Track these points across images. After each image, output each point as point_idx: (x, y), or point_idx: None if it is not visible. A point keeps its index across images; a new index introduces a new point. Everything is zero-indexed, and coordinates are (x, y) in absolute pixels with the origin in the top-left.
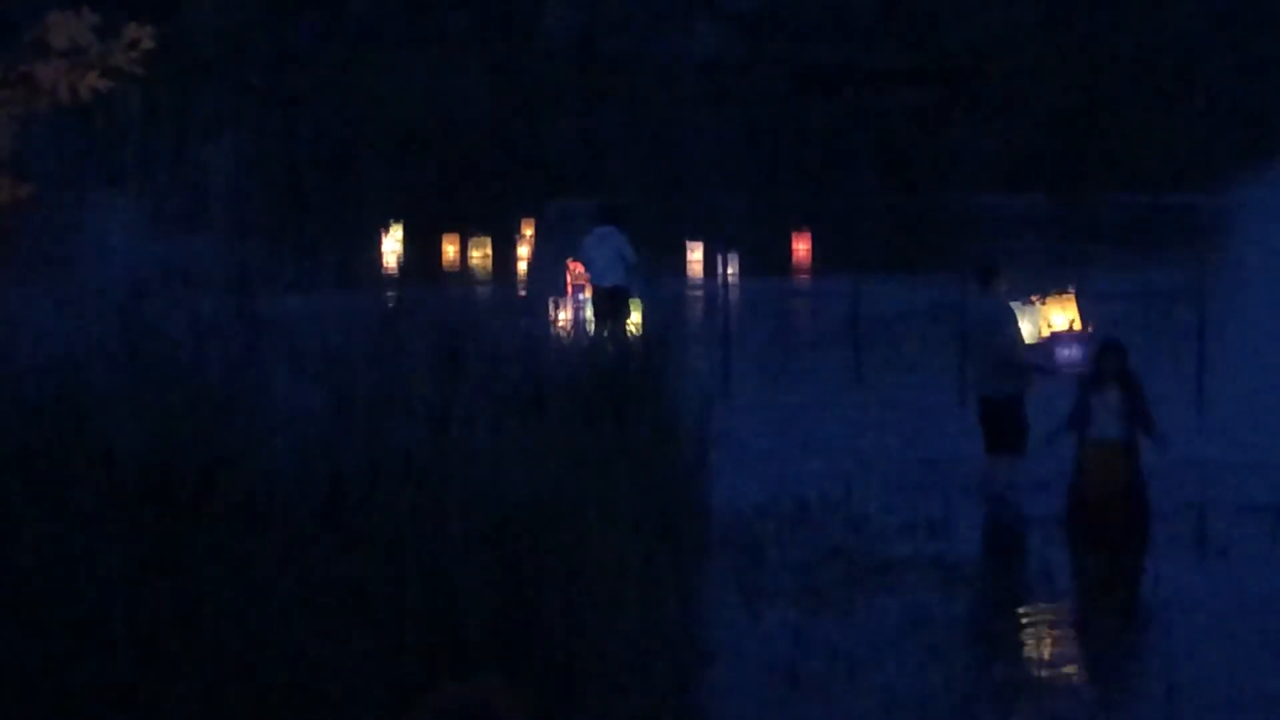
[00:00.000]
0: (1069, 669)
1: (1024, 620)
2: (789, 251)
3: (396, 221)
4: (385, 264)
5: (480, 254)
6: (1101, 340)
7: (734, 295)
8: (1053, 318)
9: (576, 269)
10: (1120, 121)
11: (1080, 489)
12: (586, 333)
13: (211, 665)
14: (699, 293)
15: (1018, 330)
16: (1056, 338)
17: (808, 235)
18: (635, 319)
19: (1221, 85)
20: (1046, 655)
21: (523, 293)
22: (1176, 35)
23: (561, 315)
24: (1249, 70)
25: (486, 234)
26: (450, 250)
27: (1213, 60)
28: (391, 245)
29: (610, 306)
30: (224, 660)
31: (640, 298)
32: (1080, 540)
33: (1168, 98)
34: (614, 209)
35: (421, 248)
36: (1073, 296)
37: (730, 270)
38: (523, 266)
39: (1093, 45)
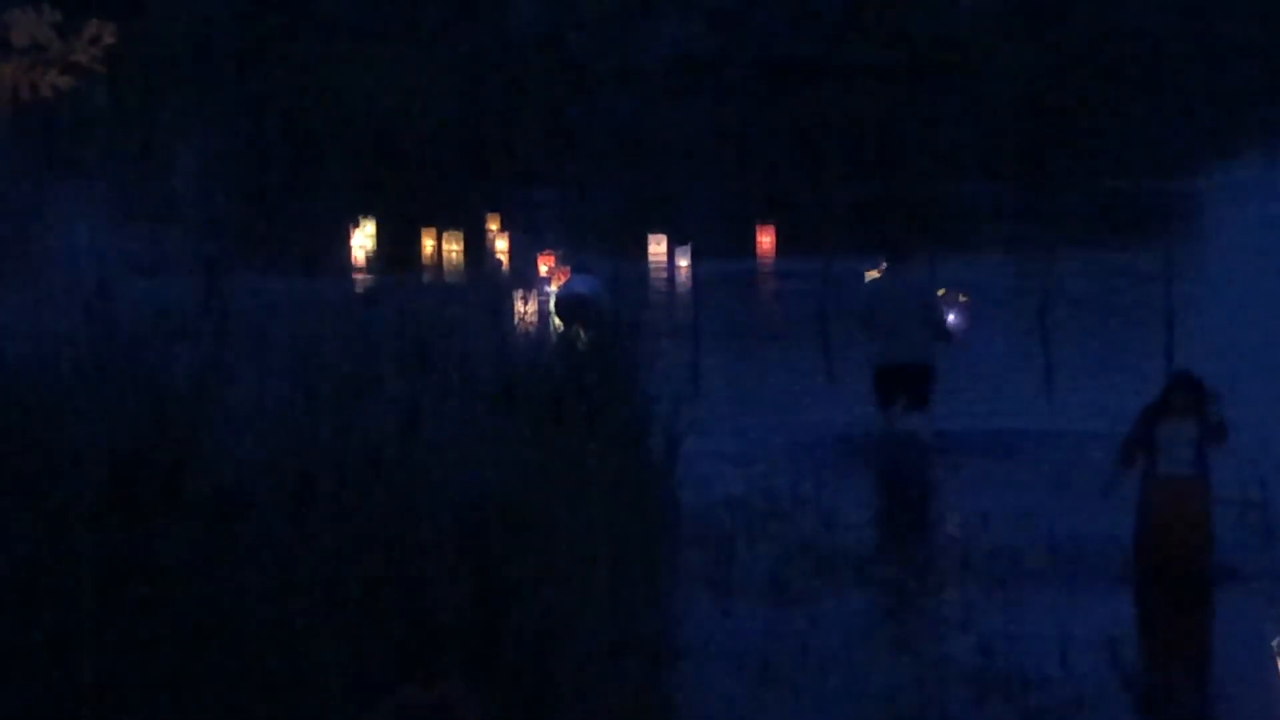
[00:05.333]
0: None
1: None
2: (754, 244)
3: (367, 216)
4: (355, 259)
5: (453, 248)
6: (1175, 373)
7: (700, 288)
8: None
9: (548, 261)
10: (1089, 110)
11: (1146, 528)
12: (554, 328)
13: (180, 663)
14: (666, 286)
15: None
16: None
17: (772, 228)
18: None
19: (1189, 74)
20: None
21: (496, 287)
22: (1144, 24)
23: (528, 309)
24: (1216, 58)
25: (459, 229)
26: (428, 244)
27: (1180, 48)
28: (361, 240)
29: (575, 314)
30: (192, 658)
31: (602, 305)
32: (1147, 580)
33: (1136, 86)
34: (585, 262)
35: (393, 242)
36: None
37: (689, 263)
38: (495, 260)
39: (1060, 35)
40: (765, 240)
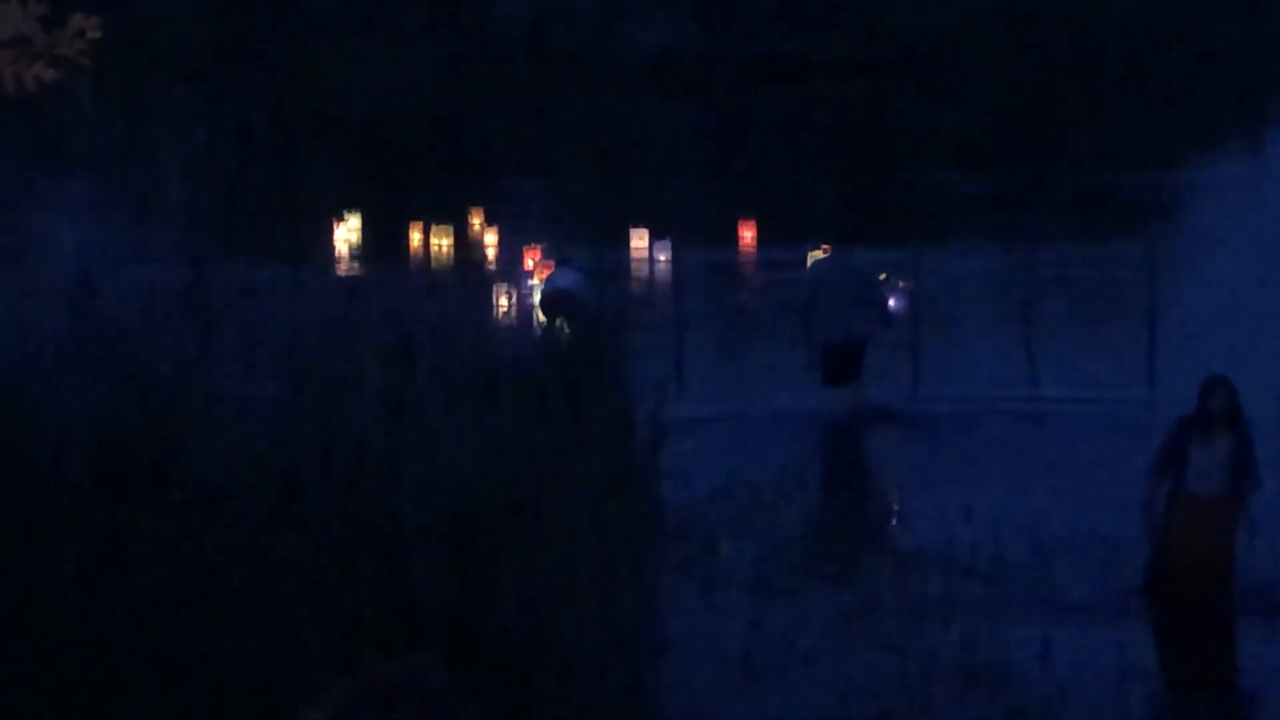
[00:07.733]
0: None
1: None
2: (736, 238)
3: (352, 210)
4: (339, 252)
5: (440, 242)
6: (1209, 377)
7: (681, 281)
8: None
9: (533, 255)
10: (1072, 104)
11: (1168, 550)
12: (537, 320)
13: (164, 655)
14: (649, 281)
15: None
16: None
17: (753, 222)
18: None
19: (1172, 67)
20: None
21: (480, 281)
22: (1126, 18)
23: (512, 303)
24: (1199, 53)
25: (445, 223)
26: (414, 238)
27: (1163, 42)
28: (345, 234)
29: (559, 309)
30: (177, 650)
31: (587, 300)
32: (1162, 609)
33: (1118, 80)
34: (567, 258)
35: (377, 236)
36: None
37: (669, 257)
38: (483, 254)
39: (1045, 30)
40: (747, 234)
